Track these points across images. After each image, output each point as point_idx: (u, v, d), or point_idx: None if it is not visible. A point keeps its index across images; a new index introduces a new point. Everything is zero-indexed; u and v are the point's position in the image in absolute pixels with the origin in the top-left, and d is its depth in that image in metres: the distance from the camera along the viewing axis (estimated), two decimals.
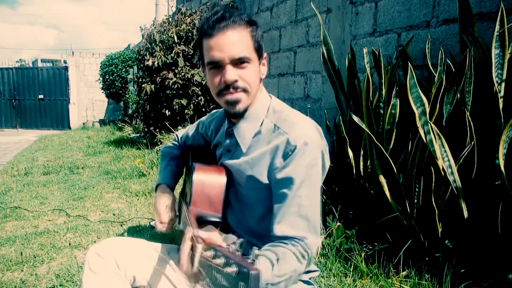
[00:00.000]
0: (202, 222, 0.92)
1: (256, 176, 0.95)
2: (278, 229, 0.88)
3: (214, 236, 0.74)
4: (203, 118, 1.28)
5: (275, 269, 0.80)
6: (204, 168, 0.99)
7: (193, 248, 0.72)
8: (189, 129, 1.34)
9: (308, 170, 0.89)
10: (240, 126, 0.99)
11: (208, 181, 0.96)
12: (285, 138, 0.91)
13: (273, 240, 0.90)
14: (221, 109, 1.20)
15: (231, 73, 0.89)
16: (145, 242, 1.08)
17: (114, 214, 2.65)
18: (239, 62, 0.90)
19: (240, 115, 0.97)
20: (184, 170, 1.36)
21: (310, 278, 1.06)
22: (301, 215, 0.88)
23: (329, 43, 2.08)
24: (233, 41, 0.89)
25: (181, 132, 1.40)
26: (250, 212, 1.01)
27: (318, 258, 1.78)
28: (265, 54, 0.99)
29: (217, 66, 0.90)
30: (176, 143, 1.39)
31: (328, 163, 0.97)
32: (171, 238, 2.06)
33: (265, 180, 0.94)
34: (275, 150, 0.92)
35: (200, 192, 0.94)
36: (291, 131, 0.91)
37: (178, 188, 1.37)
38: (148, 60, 4.60)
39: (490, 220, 1.43)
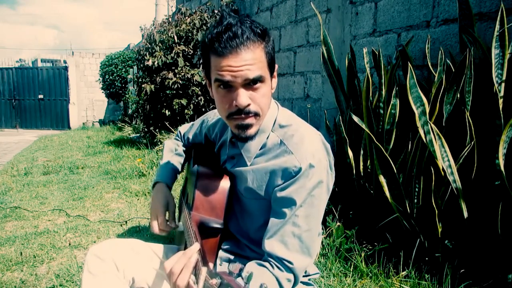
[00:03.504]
0: (203, 228, 0.91)
1: (255, 189, 0.93)
2: (269, 244, 0.87)
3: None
4: (208, 118, 1.24)
5: None
6: (208, 173, 0.98)
7: (196, 266, 0.69)
8: (193, 127, 1.31)
9: (310, 192, 0.86)
10: (246, 143, 0.96)
11: (211, 186, 0.94)
12: (290, 158, 0.87)
13: (262, 253, 0.89)
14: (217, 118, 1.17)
15: (243, 97, 0.82)
16: (144, 243, 1.08)
17: (113, 214, 2.65)
18: (251, 83, 0.82)
19: (250, 139, 0.93)
20: (186, 167, 1.35)
21: (309, 280, 1.06)
22: (295, 234, 0.86)
23: (329, 43, 2.08)
24: (247, 61, 0.80)
25: (184, 128, 1.37)
26: (250, 220, 1.00)
27: (318, 258, 1.78)
28: (276, 66, 0.92)
29: (226, 86, 0.83)
30: (178, 139, 1.36)
31: (332, 182, 0.93)
32: (170, 238, 2.06)
33: (264, 194, 0.92)
34: (278, 168, 0.89)
35: (203, 197, 0.93)
36: (297, 151, 0.87)
37: (178, 186, 1.37)
38: (148, 60, 4.60)
39: (490, 220, 1.43)
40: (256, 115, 0.86)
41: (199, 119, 1.31)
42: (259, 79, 0.83)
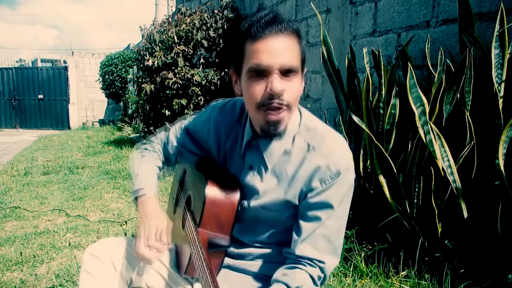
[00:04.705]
0: (210, 245, 0.88)
1: (290, 199, 0.88)
2: (300, 248, 0.86)
3: None
4: (193, 122, 1.05)
5: None
6: (217, 185, 0.90)
7: None
8: (171, 139, 1.07)
9: (344, 196, 0.87)
10: (271, 144, 0.89)
11: (220, 201, 0.88)
12: (326, 162, 0.84)
13: (289, 257, 0.88)
14: (223, 104, 1.01)
15: (278, 82, 0.77)
16: None
17: (113, 214, 2.65)
18: (286, 72, 0.79)
19: (278, 135, 0.85)
20: (181, 170, 1.22)
21: None
22: (325, 236, 0.86)
23: (329, 43, 2.08)
24: (285, 48, 0.78)
25: (160, 138, 1.12)
26: (267, 229, 0.96)
27: None
28: (305, 69, 0.88)
29: (260, 74, 0.79)
30: (158, 151, 1.10)
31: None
32: None
33: (297, 202, 0.89)
34: (313, 172, 0.85)
35: (212, 214, 0.87)
36: (332, 156, 0.85)
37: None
38: (148, 60, 4.60)
39: (490, 220, 1.43)
40: (288, 107, 0.81)
41: (176, 128, 1.08)
42: (294, 70, 0.80)
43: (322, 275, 0.87)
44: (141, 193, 0.97)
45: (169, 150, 1.08)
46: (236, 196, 0.89)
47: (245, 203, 0.92)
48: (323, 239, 0.86)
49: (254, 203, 0.91)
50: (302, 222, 0.87)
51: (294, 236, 0.88)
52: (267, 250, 0.97)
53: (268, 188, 0.90)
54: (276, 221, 0.93)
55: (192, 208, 0.97)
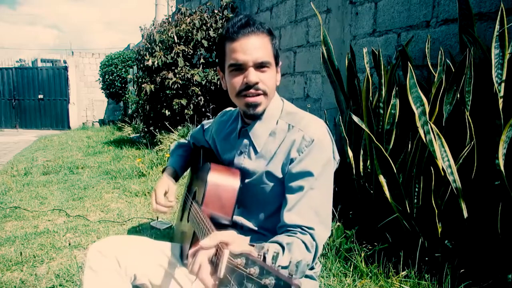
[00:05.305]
0: (211, 221, 0.92)
1: (272, 171, 0.98)
2: (288, 217, 0.92)
3: (238, 239, 0.71)
4: (207, 124, 1.32)
5: (285, 253, 0.82)
6: (219, 169, 1.00)
7: (216, 253, 0.68)
8: (196, 132, 1.39)
9: (323, 166, 0.94)
10: (255, 126, 1.03)
11: (222, 183, 0.97)
12: (301, 134, 0.96)
13: (281, 231, 0.93)
14: (226, 112, 1.23)
15: (253, 75, 0.93)
16: (147, 240, 1.09)
17: (113, 214, 2.65)
18: (260, 66, 0.94)
19: (258, 117, 1.02)
20: (190, 168, 1.38)
21: (314, 273, 1.07)
22: (312, 207, 0.92)
23: (329, 43, 2.08)
24: (256, 46, 0.94)
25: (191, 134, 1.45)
26: (260, 210, 1.03)
27: (318, 258, 1.78)
28: (280, 63, 1.03)
29: (239, 69, 0.94)
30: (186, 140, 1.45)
31: (336, 164, 1.02)
32: (171, 237, 2.06)
33: (280, 174, 0.98)
34: (291, 145, 0.96)
35: (213, 194, 0.95)
36: (307, 129, 0.97)
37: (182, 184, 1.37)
38: (148, 60, 4.60)
39: (490, 220, 1.43)
40: (264, 93, 0.96)
41: (199, 126, 1.38)
42: (266, 64, 0.95)
43: (314, 243, 0.91)
44: (164, 168, 1.27)
45: (193, 141, 1.40)
46: (237, 179, 0.99)
47: (240, 184, 1.03)
48: (309, 209, 0.92)
49: (246, 182, 1.02)
50: (288, 195, 0.95)
51: (282, 209, 0.95)
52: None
53: (256, 167, 1.02)
54: (265, 199, 1.02)
55: (197, 197, 1.05)
